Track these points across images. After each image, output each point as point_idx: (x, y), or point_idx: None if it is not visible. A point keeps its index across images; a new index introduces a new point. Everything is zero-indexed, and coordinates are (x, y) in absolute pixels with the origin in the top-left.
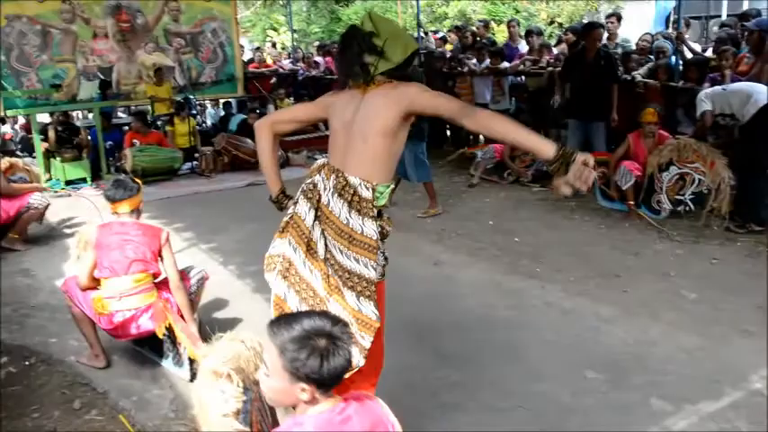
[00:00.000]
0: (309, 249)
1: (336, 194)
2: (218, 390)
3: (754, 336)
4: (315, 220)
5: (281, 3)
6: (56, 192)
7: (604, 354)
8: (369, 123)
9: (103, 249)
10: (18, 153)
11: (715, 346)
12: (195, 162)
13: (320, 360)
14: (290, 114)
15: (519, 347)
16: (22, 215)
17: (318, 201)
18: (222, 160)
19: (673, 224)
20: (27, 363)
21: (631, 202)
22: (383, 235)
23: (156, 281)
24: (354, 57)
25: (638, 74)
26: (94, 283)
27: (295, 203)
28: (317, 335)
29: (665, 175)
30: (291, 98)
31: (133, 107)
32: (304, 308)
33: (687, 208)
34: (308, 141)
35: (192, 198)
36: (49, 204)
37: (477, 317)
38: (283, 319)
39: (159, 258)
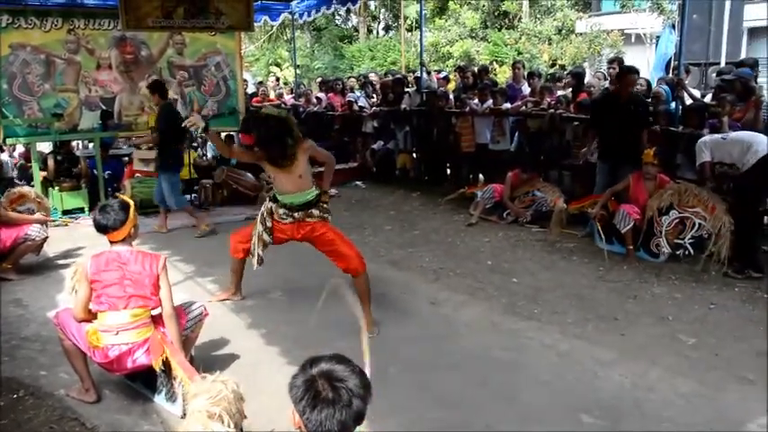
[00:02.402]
0: None
1: None
2: (210, 430)
3: (754, 383)
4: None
5: (285, 38)
6: (54, 222)
7: (601, 398)
8: None
9: (101, 283)
10: (16, 181)
11: (713, 392)
12: (194, 194)
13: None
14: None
15: (515, 389)
16: (19, 246)
17: None
18: (222, 193)
19: (671, 268)
20: (15, 396)
21: (630, 246)
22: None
23: (153, 313)
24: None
25: None
26: (89, 316)
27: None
28: (322, 377)
29: (664, 218)
30: None
31: (134, 138)
32: None
33: (686, 252)
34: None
35: (189, 230)
36: (47, 237)
37: (473, 357)
38: (321, 356)
39: (158, 287)
